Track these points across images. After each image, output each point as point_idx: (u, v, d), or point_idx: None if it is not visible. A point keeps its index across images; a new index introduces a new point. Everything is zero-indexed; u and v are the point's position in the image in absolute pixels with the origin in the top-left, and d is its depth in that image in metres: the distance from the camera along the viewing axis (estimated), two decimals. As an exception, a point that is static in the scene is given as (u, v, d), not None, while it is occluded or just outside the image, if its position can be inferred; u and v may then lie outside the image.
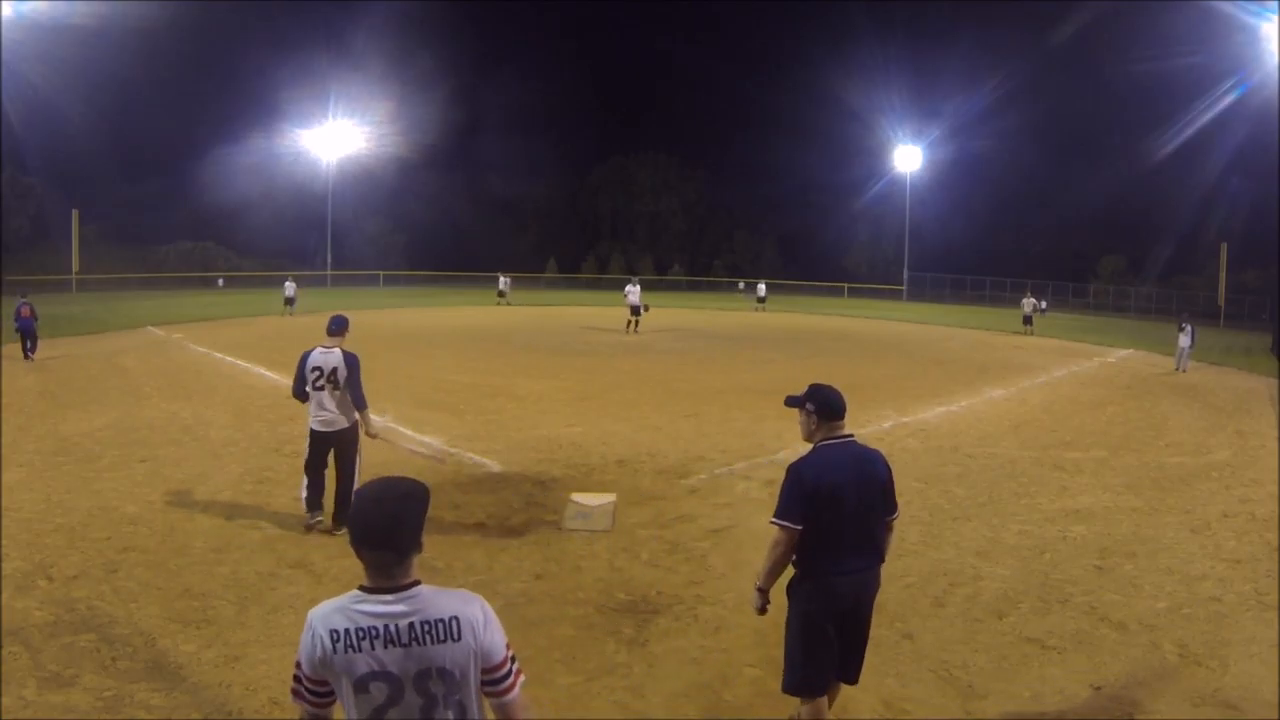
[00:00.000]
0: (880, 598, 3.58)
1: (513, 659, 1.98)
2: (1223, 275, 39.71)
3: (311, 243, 55.39)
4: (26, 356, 15.76)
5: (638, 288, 25.19)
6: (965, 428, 11.18)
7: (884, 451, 3.57)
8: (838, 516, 3.27)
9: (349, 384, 6.21)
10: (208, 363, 16.31)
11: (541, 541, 6.24)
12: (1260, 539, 6.77)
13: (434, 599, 1.92)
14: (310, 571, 5.59)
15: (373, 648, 1.86)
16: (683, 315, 33.10)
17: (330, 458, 6.41)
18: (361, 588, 1.92)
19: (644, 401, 12.48)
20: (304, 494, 6.44)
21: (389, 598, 1.89)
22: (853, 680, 3.55)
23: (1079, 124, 58.86)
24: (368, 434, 6.45)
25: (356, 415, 6.35)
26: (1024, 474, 8.67)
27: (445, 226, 62.19)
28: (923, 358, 20.15)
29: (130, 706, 3.90)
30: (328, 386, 6.22)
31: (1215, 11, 33.41)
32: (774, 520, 3.32)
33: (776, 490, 3.41)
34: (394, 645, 1.87)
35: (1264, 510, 7.60)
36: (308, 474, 6.43)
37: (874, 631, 3.57)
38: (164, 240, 55.37)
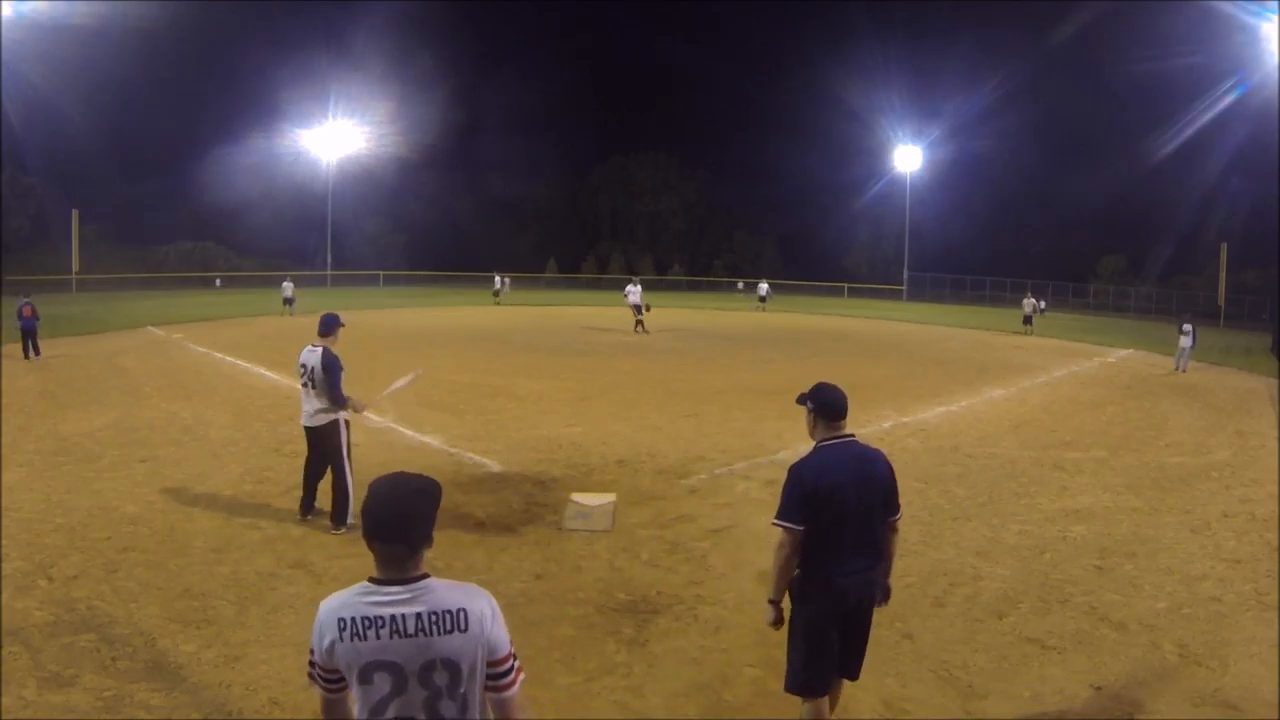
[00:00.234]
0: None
1: (515, 657, 2.01)
2: (1223, 275, 39.73)
3: (311, 243, 55.44)
4: (27, 356, 15.77)
5: (638, 288, 25.18)
6: (965, 428, 11.18)
7: (884, 451, 3.57)
8: (838, 516, 3.27)
9: (323, 384, 6.28)
10: (208, 363, 16.31)
11: (541, 541, 6.24)
12: (1260, 539, 6.77)
13: (443, 592, 1.94)
14: (310, 571, 5.57)
15: (379, 638, 1.88)
16: (683, 315, 33.10)
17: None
18: (371, 579, 1.95)
19: (644, 401, 12.49)
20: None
21: (398, 589, 1.91)
22: (854, 676, 3.57)
23: (1079, 124, 58.93)
24: (354, 410, 6.51)
25: (336, 414, 6.41)
26: (1024, 474, 8.67)
27: (445, 226, 62.27)
28: (923, 358, 20.15)
29: (130, 706, 3.90)
30: (309, 384, 6.36)
31: (1215, 11, 33.43)
32: (776, 521, 3.33)
33: (777, 490, 3.42)
34: (400, 636, 1.88)
35: (1264, 510, 7.60)
36: (304, 479, 6.64)
37: (874, 631, 3.57)
38: (164, 240, 55.48)
